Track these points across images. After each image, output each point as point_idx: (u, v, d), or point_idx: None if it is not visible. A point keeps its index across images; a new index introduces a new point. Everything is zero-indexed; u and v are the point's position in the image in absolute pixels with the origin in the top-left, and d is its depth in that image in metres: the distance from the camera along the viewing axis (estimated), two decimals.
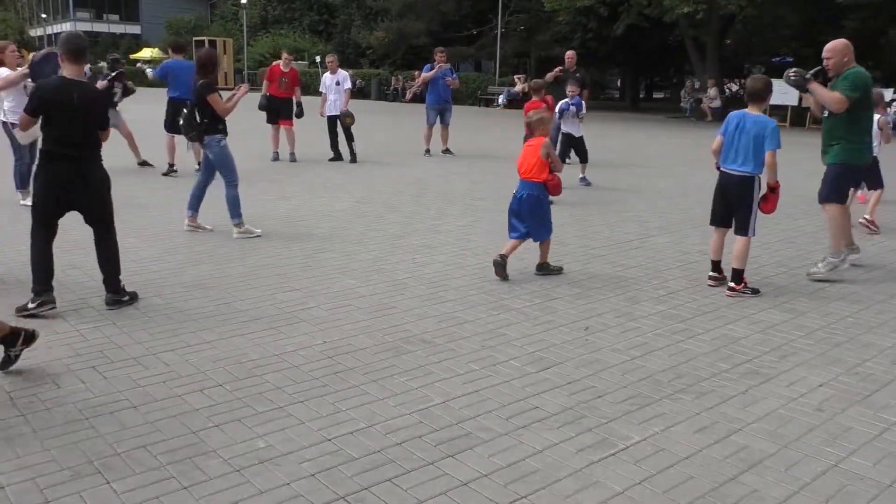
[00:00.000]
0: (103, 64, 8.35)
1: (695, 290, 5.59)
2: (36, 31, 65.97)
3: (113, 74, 9.91)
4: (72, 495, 2.74)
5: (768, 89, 5.53)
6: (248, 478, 2.91)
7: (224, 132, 6.88)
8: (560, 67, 12.58)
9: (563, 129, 10.50)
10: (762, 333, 4.69)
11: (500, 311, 5.01)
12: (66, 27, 62.66)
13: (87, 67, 8.74)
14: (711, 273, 5.72)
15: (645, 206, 9.10)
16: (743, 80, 34.99)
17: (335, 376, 3.90)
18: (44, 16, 67.41)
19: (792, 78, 5.89)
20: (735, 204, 5.52)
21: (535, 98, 9.69)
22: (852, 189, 6.89)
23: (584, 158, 10.72)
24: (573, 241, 6.85)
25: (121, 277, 4.98)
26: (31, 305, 4.67)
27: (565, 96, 12.00)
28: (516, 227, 5.89)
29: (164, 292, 5.25)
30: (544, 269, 5.97)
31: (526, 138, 6.56)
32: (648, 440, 3.28)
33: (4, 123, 8.13)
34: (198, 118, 6.81)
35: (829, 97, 5.75)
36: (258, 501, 2.75)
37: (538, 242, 5.95)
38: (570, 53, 12.92)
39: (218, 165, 6.94)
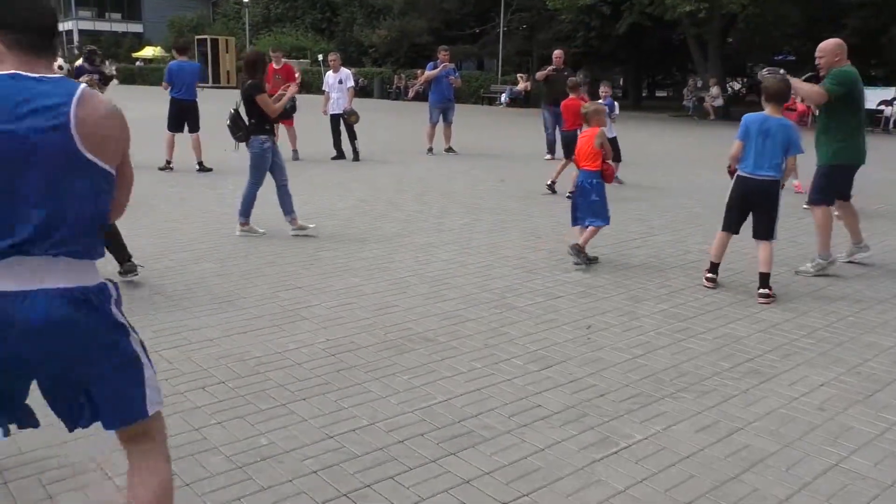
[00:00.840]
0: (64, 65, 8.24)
1: (697, 289, 5.59)
2: None
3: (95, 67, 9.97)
4: (75, 490, 2.75)
5: (790, 89, 5.44)
6: (250, 475, 2.92)
7: (270, 133, 6.87)
8: (552, 67, 12.61)
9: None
10: (764, 332, 4.69)
11: (503, 310, 5.01)
12: (68, 26, 62.67)
13: (59, 63, 8.71)
14: (710, 274, 5.62)
15: (647, 204, 9.10)
16: (745, 79, 35.00)
17: (338, 374, 3.90)
18: None
19: (767, 75, 5.90)
20: (760, 209, 5.36)
21: (572, 96, 9.72)
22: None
23: (617, 158, 10.78)
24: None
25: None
26: None
27: (559, 96, 12.10)
28: (576, 213, 6.25)
29: (167, 290, 5.26)
30: (577, 252, 6.11)
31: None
32: (650, 439, 3.29)
33: None
34: (245, 119, 6.82)
35: (808, 90, 5.80)
36: (260, 498, 2.76)
37: (586, 226, 6.20)
38: (557, 53, 12.99)
39: (251, 163, 6.89)
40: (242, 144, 6.95)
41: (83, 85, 1.98)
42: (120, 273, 5.27)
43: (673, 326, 4.77)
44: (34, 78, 1.93)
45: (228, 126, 6.93)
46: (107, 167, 1.99)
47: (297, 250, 6.48)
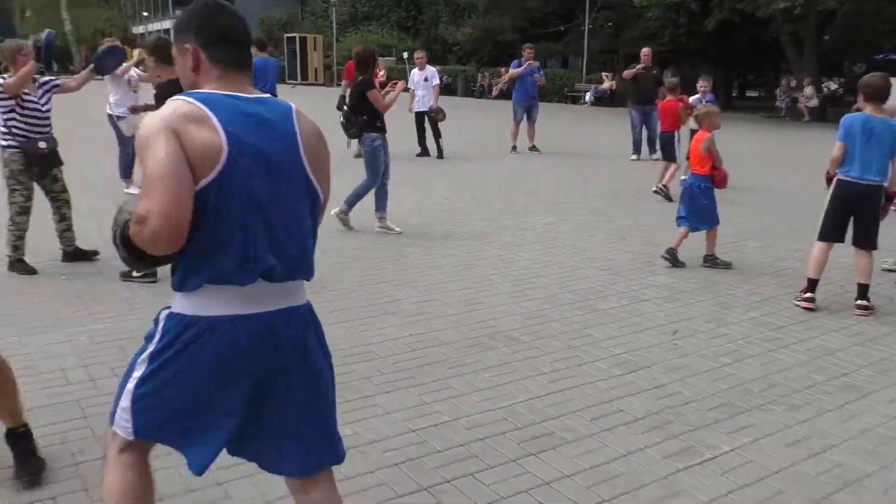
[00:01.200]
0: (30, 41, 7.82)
1: (788, 297, 5.39)
2: (138, 29, 69.04)
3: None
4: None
5: (891, 87, 5.16)
6: None
7: (381, 130, 7.00)
8: (641, 66, 12.42)
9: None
10: (860, 346, 4.50)
11: (587, 312, 4.97)
12: (166, 24, 65.38)
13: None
14: (808, 294, 5.15)
15: (738, 208, 8.82)
16: (842, 79, 33.46)
17: (421, 369, 3.96)
18: (145, 14, 70.45)
19: None
20: (863, 216, 5.07)
21: (670, 97, 9.57)
22: None
23: None
24: (665, 242, 6.69)
25: None
26: (135, 274, 5.20)
27: (647, 95, 11.90)
28: (680, 214, 6.25)
29: None
30: (709, 260, 6.15)
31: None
32: (737, 451, 3.21)
33: (110, 116, 8.56)
34: (356, 115, 7.00)
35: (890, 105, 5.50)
36: (344, 486, 2.82)
37: (691, 229, 6.17)
38: (645, 50, 12.84)
39: (365, 161, 7.06)
40: (354, 141, 7.14)
41: (291, 104, 1.94)
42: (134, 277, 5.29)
43: (763, 336, 4.63)
44: (253, 99, 1.85)
45: (342, 123, 7.17)
46: (319, 189, 1.95)
47: (383, 246, 6.60)
